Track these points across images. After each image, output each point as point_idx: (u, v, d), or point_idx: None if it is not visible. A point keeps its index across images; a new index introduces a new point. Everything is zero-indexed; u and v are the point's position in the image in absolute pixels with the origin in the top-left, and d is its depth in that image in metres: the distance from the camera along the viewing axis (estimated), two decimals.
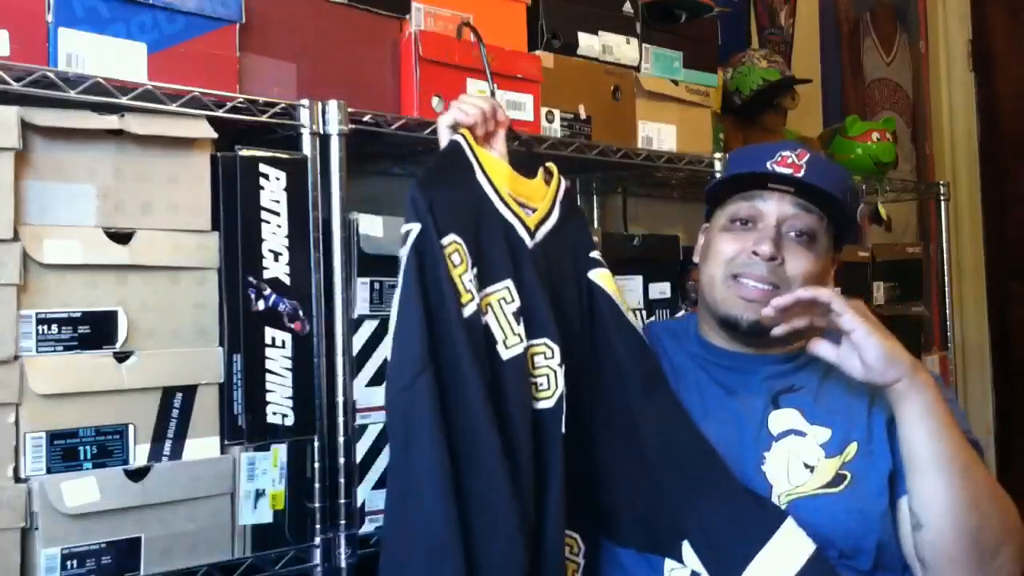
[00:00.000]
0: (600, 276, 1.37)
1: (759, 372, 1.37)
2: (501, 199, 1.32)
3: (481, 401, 1.17)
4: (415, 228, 1.23)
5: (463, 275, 1.23)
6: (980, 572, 1.16)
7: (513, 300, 1.26)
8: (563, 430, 1.24)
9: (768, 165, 1.33)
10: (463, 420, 1.17)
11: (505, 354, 1.23)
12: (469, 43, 1.67)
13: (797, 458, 1.28)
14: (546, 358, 1.26)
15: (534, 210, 1.35)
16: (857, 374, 1.21)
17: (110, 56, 1.28)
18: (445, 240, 1.24)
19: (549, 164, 1.39)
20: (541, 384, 1.25)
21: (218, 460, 1.33)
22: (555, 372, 1.25)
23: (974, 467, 1.19)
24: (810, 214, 1.33)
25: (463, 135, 1.33)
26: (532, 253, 1.31)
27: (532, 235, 1.32)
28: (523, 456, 1.20)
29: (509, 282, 1.26)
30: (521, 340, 1.24)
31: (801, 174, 1.31)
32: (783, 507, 1.24)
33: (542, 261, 1.31)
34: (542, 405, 1.24)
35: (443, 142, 1.35)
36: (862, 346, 1.19)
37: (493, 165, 1.34)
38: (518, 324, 1.24)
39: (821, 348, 1.24)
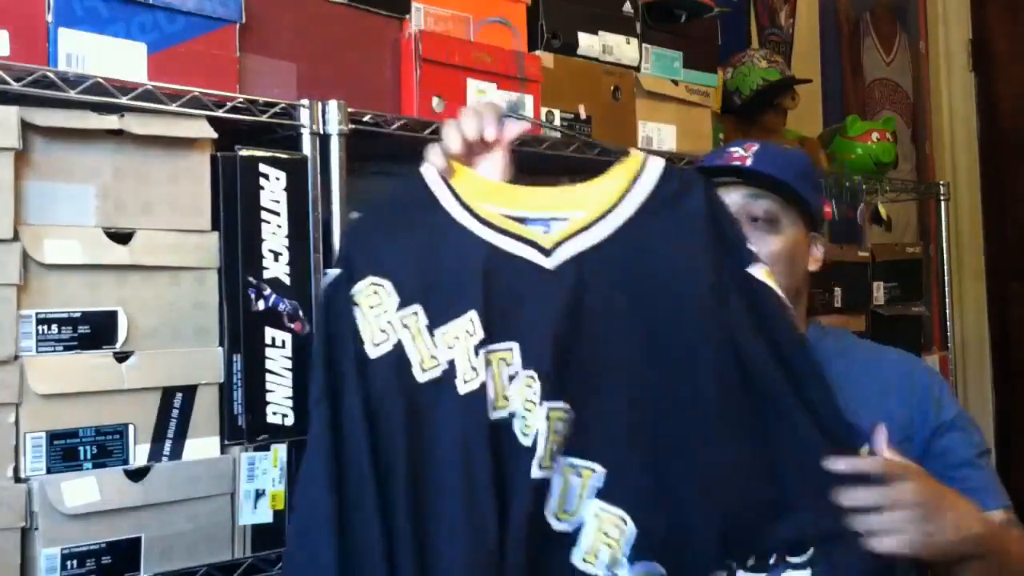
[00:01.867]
0: (764, 272, 1.13)
1: None
2: (486, 223, 1.15)
3: (358, 430, 1.08)
4: (331, 274, 1.15)
5: (380, 316, 1.12)
6: None
7: (474, 333, 1.11)
8: (531, 473, 1.08)
9: (718, 162, 1.37)
10: (347, 449, 1.09)
11: (462, 388, 1.10)
12: (469, 43, 1.67)
13: None
14: (532, 392, 1.10)
15: (565, 219, 1.16)
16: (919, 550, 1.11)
17: (110, 56, 1.28)
18: (361, 284, 1.13)
19: (633, 151, 1.19)
20: (527, 420, 1.10)
21: (218, 460, 1.33)
22: (535, 408, 1.09)
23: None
24: (764, 199, 1.35)
25: (430, 166, 1.19)
26: (547, 274, 1.13)
27: (549, 253, 1.13)
28: (457, 492, 1.08)
29: (472, 314, 1.11)
30: (477, 374, 1.10)
31: (747, 163, 1.35)
32: None
33: (572, 277, 1.12)
34: (525, 443, 1.09)
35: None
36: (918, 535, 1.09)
37: (478, 187, 1.18)
38: (476, 357, 1.10)
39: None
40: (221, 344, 1.34)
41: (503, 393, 1.10)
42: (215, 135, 1.33)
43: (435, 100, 1.61)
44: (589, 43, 1.87)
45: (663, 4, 2.01)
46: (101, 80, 1.24)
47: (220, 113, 1.34)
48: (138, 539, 1.25)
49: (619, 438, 1.09)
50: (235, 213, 1.35)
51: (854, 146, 2.66)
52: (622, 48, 1.93)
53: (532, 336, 1.11)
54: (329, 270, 1.17)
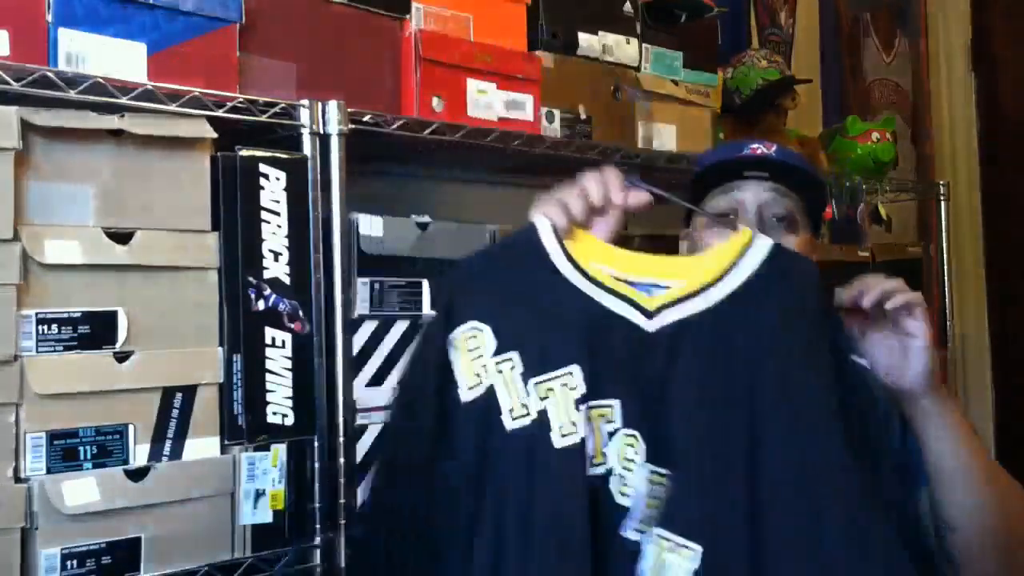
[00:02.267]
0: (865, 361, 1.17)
1: None
2: (591, 280, 1.15)
3: (432, 469, 1.10)
4: (430, 315, 1.17)
5: (476, 360, 1.13)
6: (1009, 563, 1.20)
7: (575, 387, 1.11)
8: (626, 534, 1.08)
9: (739, 156, 1.35)
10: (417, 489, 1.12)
11: (559, 443, 1.10)
12: (469, 43, 1.67)
13: None
14: (633, 452, 1.10)
15: (666, 287, 1.16)
16: (888, 372, 1.19)
17: (110, 56, 1.28)
18: (461, 327, 1.13)
19: (742, 227, 1.19)
20: (626, 479, 1.09)
21: (218, 460, 1.33)
22: (636, 468, 1.08)
23: (997, 472, 1.22)
24: (787, 198, 1.34)
25: (546, 219, 1.19)
26: (648, 336, 1.12)
27: (651, 315, 1.13)
28: (550, 545, 1.07)
29: (574, 367, 1.11)
30: (576, 429, 1.10)
31: (772, 152, 1.34)
32: None
33: (672, 342, 1.12)
34: (622, 502, 1.09)
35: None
36: (916, 355, 1.17)
37: (586, 246, 1.18)
38: (576, 412, 1.10)
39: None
40: (221, 344, 1.34)
41: (601, 449, 1.10)
42: (215, 135, 1.33)
43: (435, 100, 1.61)
44: (589, 43, 1.87)
45: (663, 4, 2.01)
46: (101, 80, 1.24)
47: (220, 113, 1.34)
48: (138, 539, 1.25)
49: (715, 517, 1.07)
50: (235, 213, 1.35)
51: (854, 146, 2.66)
52: (622, 48, 1.93)
53: (634, 395, 1.11)
54: (429, 311, 1.17)
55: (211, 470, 1.32)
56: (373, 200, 1.78)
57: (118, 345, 1.26)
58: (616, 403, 1.11)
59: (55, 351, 1.21)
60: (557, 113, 1.80)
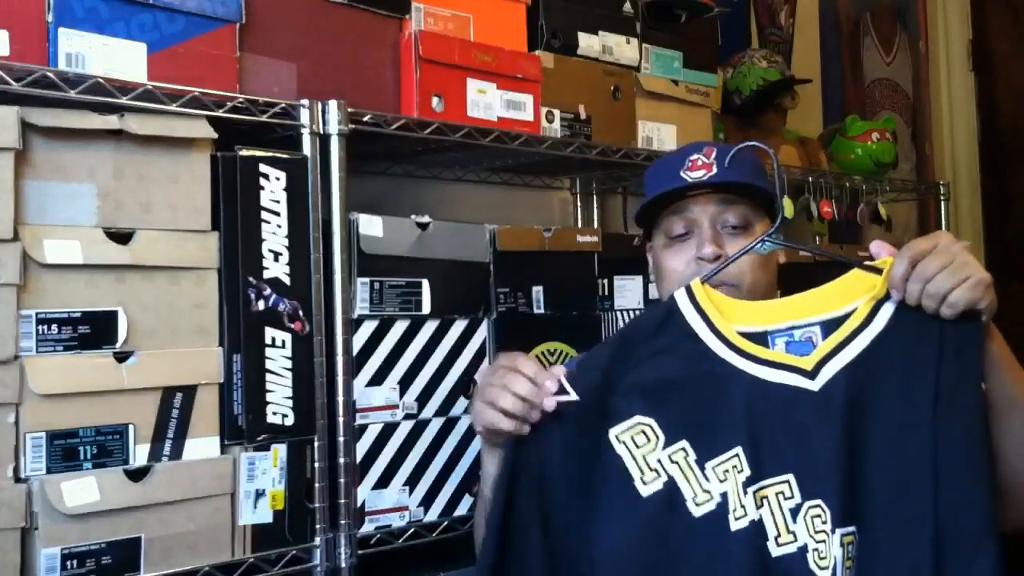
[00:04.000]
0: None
1: None
2: (746, 355, 1.15)
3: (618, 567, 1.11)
4: (571, 395, 1.11)
5: (650, 454, 1.13)
6: None
7: (743, 470, 1.11)
8: None
9: (682, 175, 1.34)
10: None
11: (733, 525, 1.11)
12: (469, 43, 1.67)
13: None
14: (822, 522, 1.09)
15: (808, 325, 1.16)
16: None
17: (110, 56, 1.28)
18: (626, 423, 1.13)
19: (881, 258, 1.16)
20: (821, 551, 1.09)
21: (218, 460, 1.33)
22: (828, 537, 1.08)
23: None
24: (737, 205, 1.35)
25: (688, 288, 1.19)
26: (815, 396, 1.12)
27: (814, 375, 1.13)
28: None
29: (738, 449, 1.12)
30: (746, 512, 1.10)
31: (714, 171, 1.33)
32: None
33: (841, 395, 1.11)
34: (821, 575, 1.09)
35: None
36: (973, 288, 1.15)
37: (722, 307, 1.18)
38: (744, 495, 1.11)
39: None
40: (221, 344, 1.34)
41: (788, 528, 1.11)
42: (215, 135, 1.33)
43: (435, 100, 1.61)
44: (589, 43, 1.87)
45: (663, 4, 2.01)
46: (101, 80, 1.24)
47: (220, 113, 1.34)
48: (138, 539, 1.25)
49: (902, 567, 1.09)
50: (235, 213, 1.35)
51: (854, 146, 2.66)
52: (622, 48, 1.93)
53: (811, 463, 1.11)
54: (561, 392, 1.12)
55: (211, 470, 1.32)
56: (373, 200, 1.79)
57: (118, 345, 1.26)
58: (791, 477, 1.11)
59: (55, 351, 1.21)
60: (557, 113, 1.80)
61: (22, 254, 1.18)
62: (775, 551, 1.10)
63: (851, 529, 1.09)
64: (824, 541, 1.09)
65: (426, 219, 1.56)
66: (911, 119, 3.58)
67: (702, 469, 1.12)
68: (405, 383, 1.53)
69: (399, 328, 1.52)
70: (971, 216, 3.68)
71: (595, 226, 2.25)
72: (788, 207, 2.23)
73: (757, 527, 1.10)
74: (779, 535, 1.11)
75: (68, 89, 1.22)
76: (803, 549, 1.10)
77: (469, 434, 1.60)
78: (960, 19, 3.72)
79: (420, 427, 1.55)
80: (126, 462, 1.26)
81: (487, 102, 1.68)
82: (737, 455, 1.12)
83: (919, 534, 1.09)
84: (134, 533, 1.25)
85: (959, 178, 3.63)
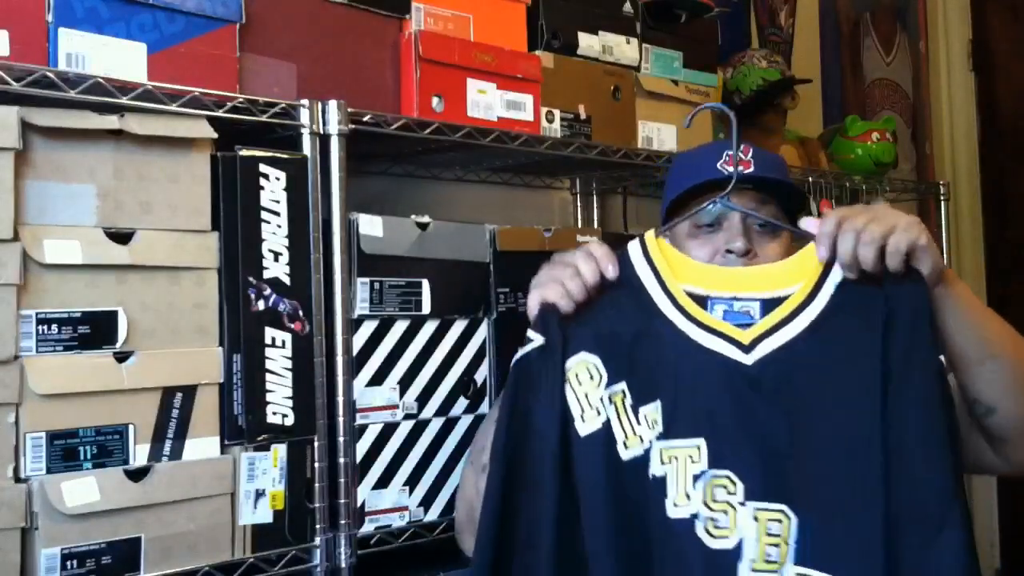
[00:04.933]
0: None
1: None
2: (688, 317, 1.16)
3: (550, 504, 1.11)
4: (536, 341, 1.15)
5: (589, 393, 1.14)
6: None
7: (657, 423, 1.12)
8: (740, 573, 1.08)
9: (719, 167, 1.35)
10: (528, 512, 1.12)
11: (650, 474, 1.12)
12: (469, 43, 1.67)
13: None
14: (727, 492, 1.10)
15: (751, 299, 1.17)
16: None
17: (110, 56, 1.28)
18: (573, 359, 1.15)
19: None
20: (718, 521, 1.09)
21: (218, 460, 1.33)
22: (731, 509, 1.09)
23: (1020, 341, 1.21)
24: (770, 205, 1.35)
25: (641, 239, 1.21)
26: (746, 370, 1.12)
27: (748, 349, 1.13)
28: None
29: (658, 403, 1.13)
30: (661, 465, 1.12)
31: (752, 169, 1.34)
32: None
33: (772, 373, 1.11)
34: (715, 545, 1.09)
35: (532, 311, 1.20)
36: (922, 255, 1.15)
37: (673, 264, 1.20)
38: (653, 449, 1.12)
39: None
40: (221, 344, 1.34)
41: (686, 492, 1.11)
42: (215, 135, 1.33)
43: (435, 100, 1.61)
44: (589, 43, 1.87)
45: (663, 4, 2.01)
46: (101, 80, 1.24)
47: (220, 113, 1.34)
48: (138, 539, 1.25)
49: (851, 545, 1.07)
50: (235, 213, 1.35)
51: (854, 146, 2.66)
52: (622, 48, 1.93)
53: (727, 434, 1.10)
54: (530, 331, 1.17)
55: (211, 470, 1.32)
56: (373, 200, 1.79)
57: (118, 345, 1.26)
58: (702, 443, 1.11)
59: (55, 351, 1.21)
60: (557, 113, 1.80)
61: (22, 254, 1.18)
62: (671, 511, 1.11)
63: (777, 506, 1.08)
64: (725, 512, 1.08)
65: (426, 219, 1.56)
66: (911, 119, 3.58)
67: (636, 413, 1.13)
68: (405, 383, 1.53)
69: (399, 328, 1.52)
70: (971, 216, 3.68)
71: (595, 226, 2.25)
72: None
73: (659, 483, 1.11)
74: (676, 497, 1.11)
75: (68, 89, 1.22)
76: (694, 516, 1.10)
77: (469, 434, 1.60)
78: (960, 19, 3.72)
79: (420, 427, 1.55)
80: (126, 462, 1.26)
81: (487, 102, 1.68)
82: (657, 408, 1.13)
83: (869, 510, 1.06)
84: (134, 533, 1.25)
85: (959, 178, 3.63)
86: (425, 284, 1.54)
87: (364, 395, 1.48)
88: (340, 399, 1.43)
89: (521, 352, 1.16)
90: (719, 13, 2.12)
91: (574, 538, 1.11)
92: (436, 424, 1.57)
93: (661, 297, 1.17)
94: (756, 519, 1.08)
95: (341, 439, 1.43)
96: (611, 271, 1.18)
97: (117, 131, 1.25)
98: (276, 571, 1.37)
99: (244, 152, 1.36)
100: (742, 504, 1.08)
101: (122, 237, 1.26)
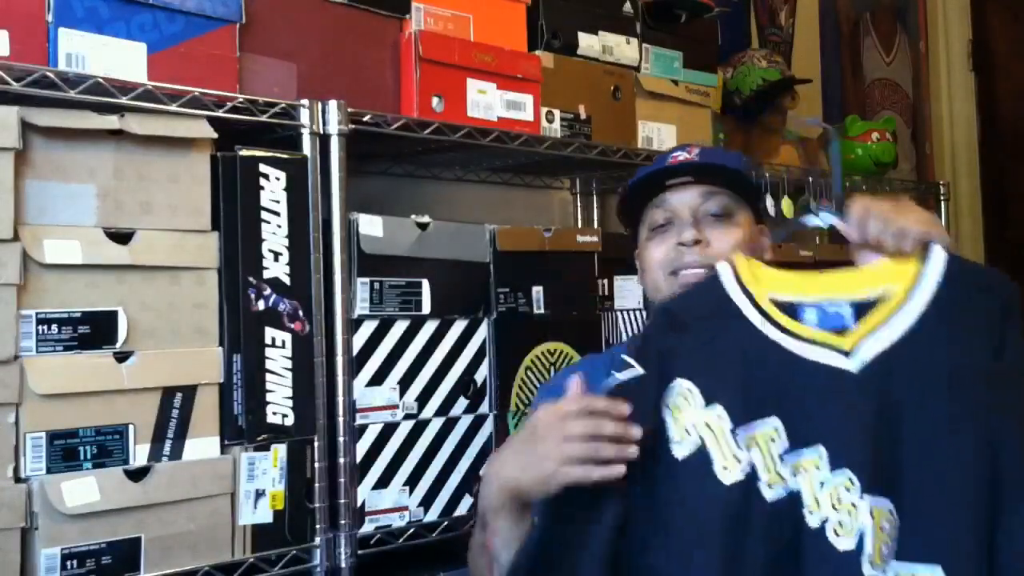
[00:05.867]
0: None
1: None
2: (785, 331, 1.15)
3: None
4: (634, 373, 1.14)
5: (687, 417, 1.14)
6: None
7: (777, 440, 1.12)
8: (864, 570, 1.09)
9: (664, 166, 1.36)
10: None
11: (768, 495, 1.11)
12: (469, 43, 1.67)
13: None
14: (847, 491, 1.10)
15: (845, 304, 1.16)
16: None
17: (110, 56, 1.28)
18: (672, 385, 1.15)
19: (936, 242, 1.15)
20: (844, 523, 1.09)
21: (218, 460, 1.33)
22: (855, 508, 1.09)
23: None
24: (718, 196, 1.35)
25: (729, 263, 1.21)
26: (851, 376, 1.12)
27: (850, 354, 1.13)
28: None
29: (775, 421, 1.12)
30: (784, 481, 1.11)
31: (695, 157, 1.35)
32: None
33: (878, 375, 1.11)
34: (843, 546, 1.09)
35: None
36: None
37: (762, 278, 1.19)
38: (781, 464, 1.11)
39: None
40: (221, 344, 1.34)
41: (816, 499, 1.11)
42: (215, 135, 1.33)
43: (435, 100, 1.61)
44: (589, 43, 1.87)
45: (663, 4, 2.01)
46: (101, 80, 1.24)
47: (220, 113, 1.34)
48: (138, 539, 1.25)
49: (952, 542, 1.08)
50: (235, 213, 1.35)
51: (854, 146, 2.66)
52: (622, 48, 1.93)
53: (842, 436, 1.11)
54: (626, 356, 1.15)
55: (211, 470, 1.32)
56: (373, 200, 1.79)
57: (118, 345, 1.26)
58: (822, 450, 1.11)
59: (55, 351, 1.21)
60: (557, 113, 1.80)
61: (22, 254, 1.18)
62: (810, 521, 1.10)
63: (886, 504, 1.09)
64: (851, 513, 1.09)
65: (426, 219, 1.56)
66: (911, 119, 3.58)
67: (734, 436, 1.13)
68: (405, 383, 1.53)
69: (399, 328, 1.52)
70: (971, 216, 3.68)
71: (595, 226, 2.25)
72: (788, 207, 2.23)
73: (793, 498, 1.11)
74: (810, 505, 1.11)
75: (68, 89, 1.22)
76: (825, 521, 1.10)
77: (469, 434, 1.60)
78: (960, 19, 3.72)
79: (420, 427, 1.55)
80: (126, 462, 1.26)
81: (487, 102, 1.68)
82: (776, 427, 1.13)
83: (972, 509, 1.08)
84: (134, 533, 1.25)
85: (959, 178, 3.64)
86: (425, 284, 1.54)
87: (364, 395, 1.48)
88: (340, 399, 1.43)
89: (617, 378, 1.14)
90: (719, 13, 2.12)
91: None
92: (436, 424, 1.57)
93: (755, 315, 1.17)
94: (872, 515, 1.09)
95: (341, 439, 1.43)
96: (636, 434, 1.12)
97: (117, 131, 1.25)
98: (276, 571, 1.37)
99: (244, 152, 1.36)
100: (861, 499, 1.09)
101: (122, 237, 1.26)
